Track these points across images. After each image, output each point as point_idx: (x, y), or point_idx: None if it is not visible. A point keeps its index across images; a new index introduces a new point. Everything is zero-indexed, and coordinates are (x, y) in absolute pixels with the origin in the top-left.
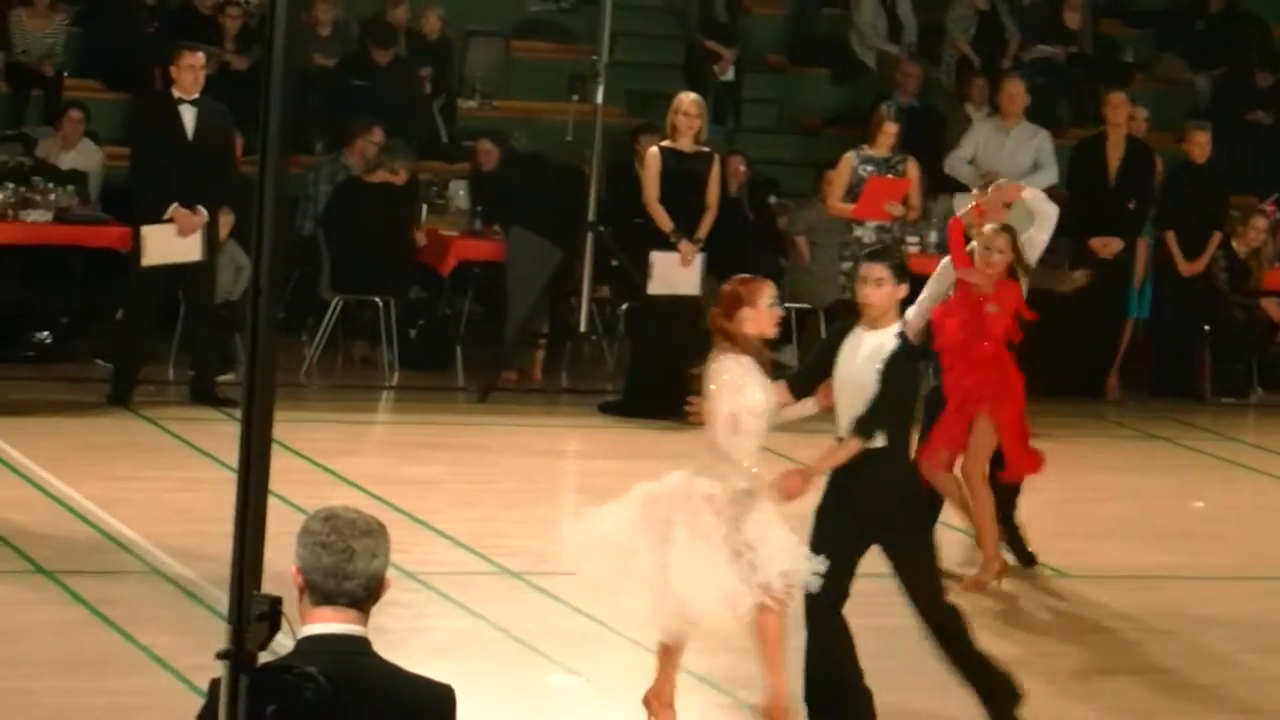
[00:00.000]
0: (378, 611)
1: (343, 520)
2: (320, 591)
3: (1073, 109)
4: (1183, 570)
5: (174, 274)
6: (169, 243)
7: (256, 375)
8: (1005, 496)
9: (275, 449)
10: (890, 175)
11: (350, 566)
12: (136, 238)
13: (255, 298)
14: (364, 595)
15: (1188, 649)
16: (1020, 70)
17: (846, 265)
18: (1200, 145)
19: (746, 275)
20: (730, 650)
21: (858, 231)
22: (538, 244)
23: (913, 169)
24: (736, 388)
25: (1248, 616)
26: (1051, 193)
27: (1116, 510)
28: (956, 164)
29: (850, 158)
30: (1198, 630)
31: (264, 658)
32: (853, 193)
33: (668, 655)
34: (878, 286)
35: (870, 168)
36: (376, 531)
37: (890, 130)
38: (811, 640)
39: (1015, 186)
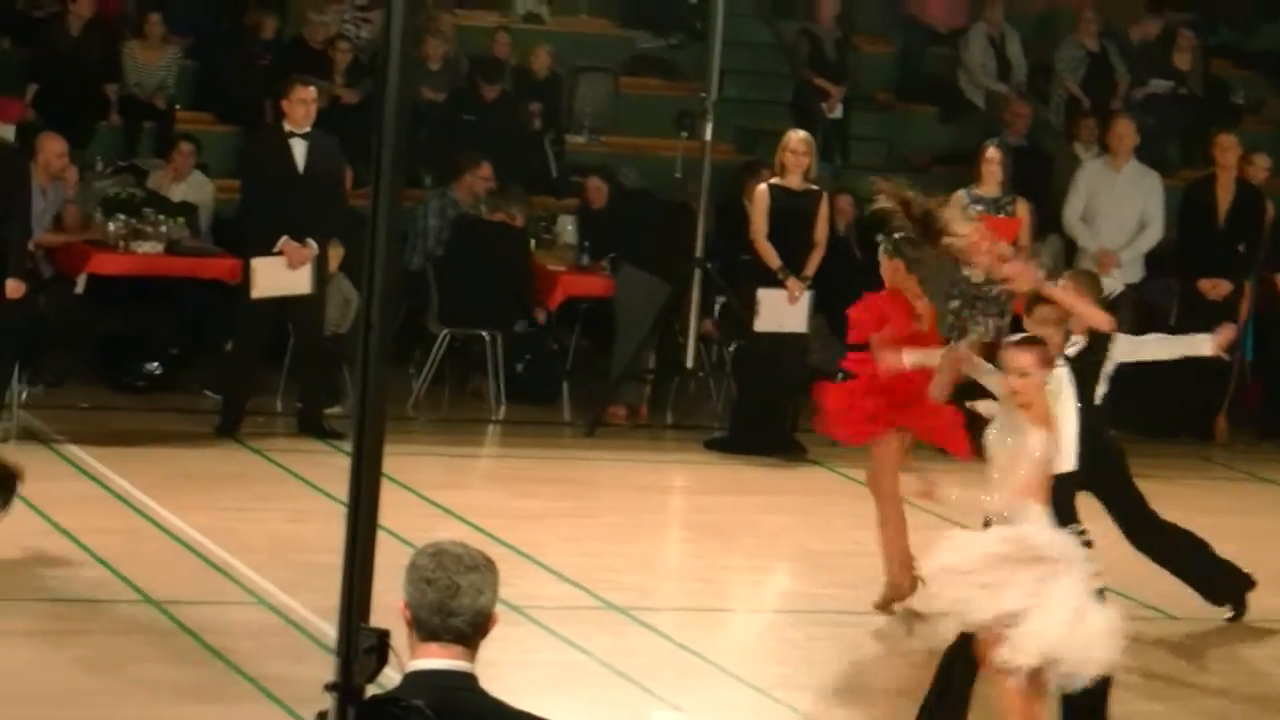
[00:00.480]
0: (483, 645)
1: (449, 556)
2: (426, 628)
3: (1182, 150)
4: None
5: (283, 306)
6: (278, 275)
7: (367, 408)
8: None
9: (383, 482)
10: (1000, 215)
11: (455, 603)
12: (246, 270)
13: (366, 331)
14: (470, 632)
15: None
16: (1130, 110)
17: (954, 304)
18: None
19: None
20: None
21: (966, 270)
22: (646, 280)
23: (1022, 209)
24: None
25: None
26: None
27: (1226, 553)
28: (1071, 220)
29: (960, 196)
30: None
31: (371, 691)
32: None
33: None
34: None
35: (980, 207)
36: (484, 567)
37: (994, 162)
38: None
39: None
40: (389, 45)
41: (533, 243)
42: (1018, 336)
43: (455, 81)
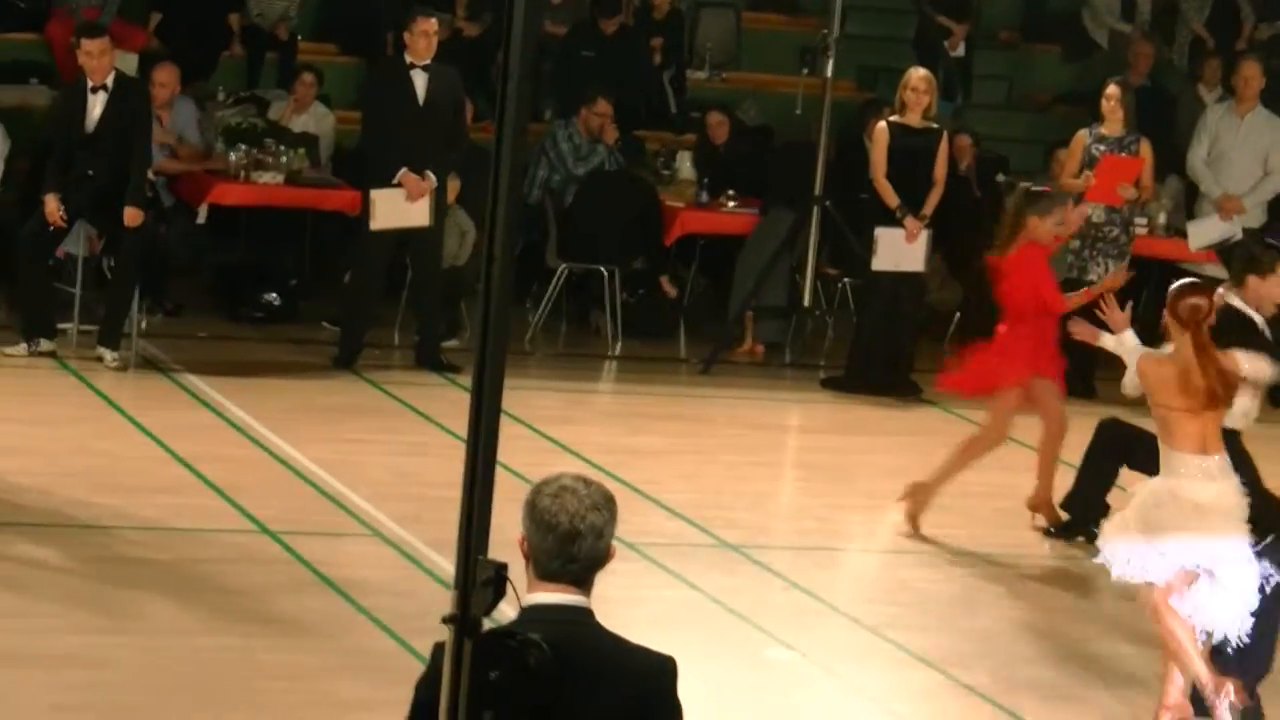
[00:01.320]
0: (599, 581)
1: (571, 497)
2: (545, 569)
3: None
4: None
5: (402, 239)
6: (398, 207)
7: (488, 342)
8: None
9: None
10: (1124, 155)
11: (574, 549)
12: (366, 202)
13: (488, 265)
14: (589, 574)
15: None
16: (1255, 51)
17: (1075, 244)
18: None
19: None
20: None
21: (1088, 210)
22: (776, 219)
23: (1145, 149)
24: None
25: None
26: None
27: None
28: (1195, 165)
29: (1083, 136)
30: None
31: (488, 624)
32: (1086, 169)
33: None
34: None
35: (1103, 147)
36: (604, 506)
37: (1116, 100)
38: None
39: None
40: None
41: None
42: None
43: (578, 14)
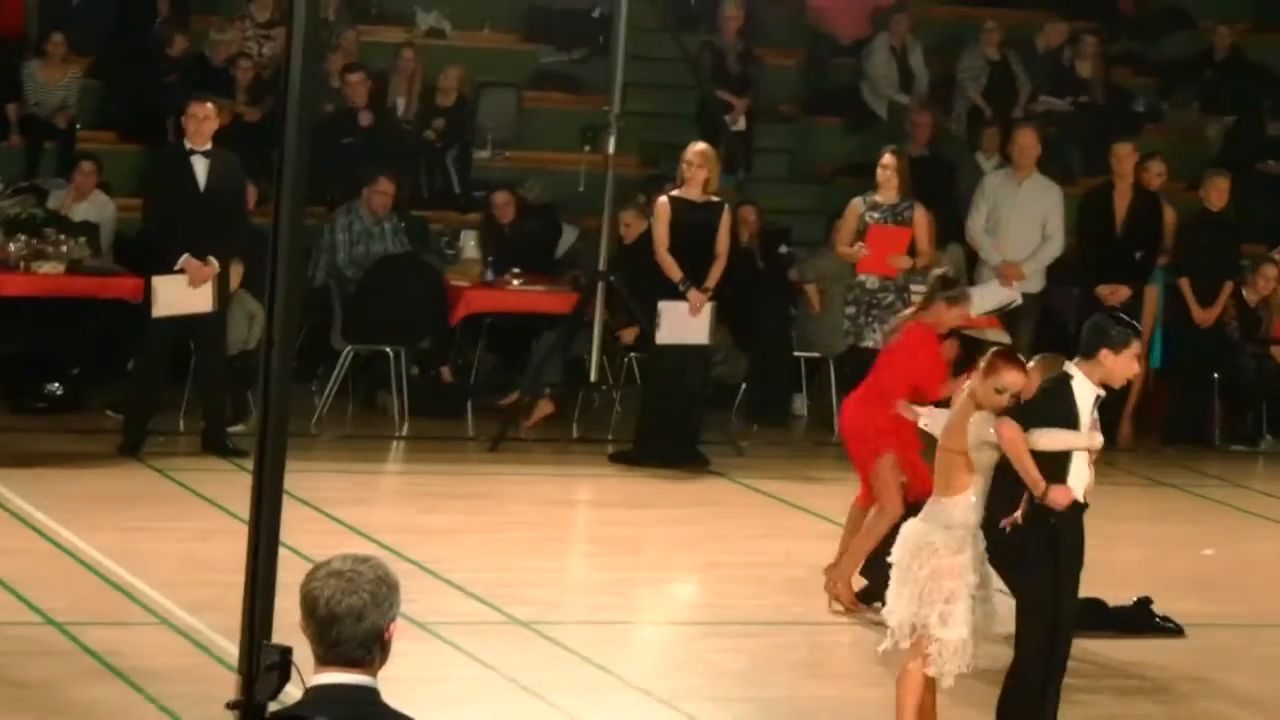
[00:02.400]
0: (392, 659)
1: (333, 582)
2: (315, 652)
3: (1084, 159)
4: (1195, 618)
5: (186, 325)
6: (180, 293)
7: (270, 424)
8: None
9: (286, 500)
10: (895, 223)
11: (335, 633)
12: (148, 289)
13: (268, 348)
14: (362, 654)
15: (1205, 695)
16: (1031, 120)
17: (850, 310)
18: (1219, 192)
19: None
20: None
21: (861, 277)
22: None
23: (920, 215)
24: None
25: (1264, 664)
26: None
27: (1129, 558)
28: (975, 232)
29: (857, 204)
30: (1214, 678)
31: (274, 708)
32: (860, 239)
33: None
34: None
35: (876, 214)
36: (367, 587)
37: (891, 168)
38: None
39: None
40: (290, 62)
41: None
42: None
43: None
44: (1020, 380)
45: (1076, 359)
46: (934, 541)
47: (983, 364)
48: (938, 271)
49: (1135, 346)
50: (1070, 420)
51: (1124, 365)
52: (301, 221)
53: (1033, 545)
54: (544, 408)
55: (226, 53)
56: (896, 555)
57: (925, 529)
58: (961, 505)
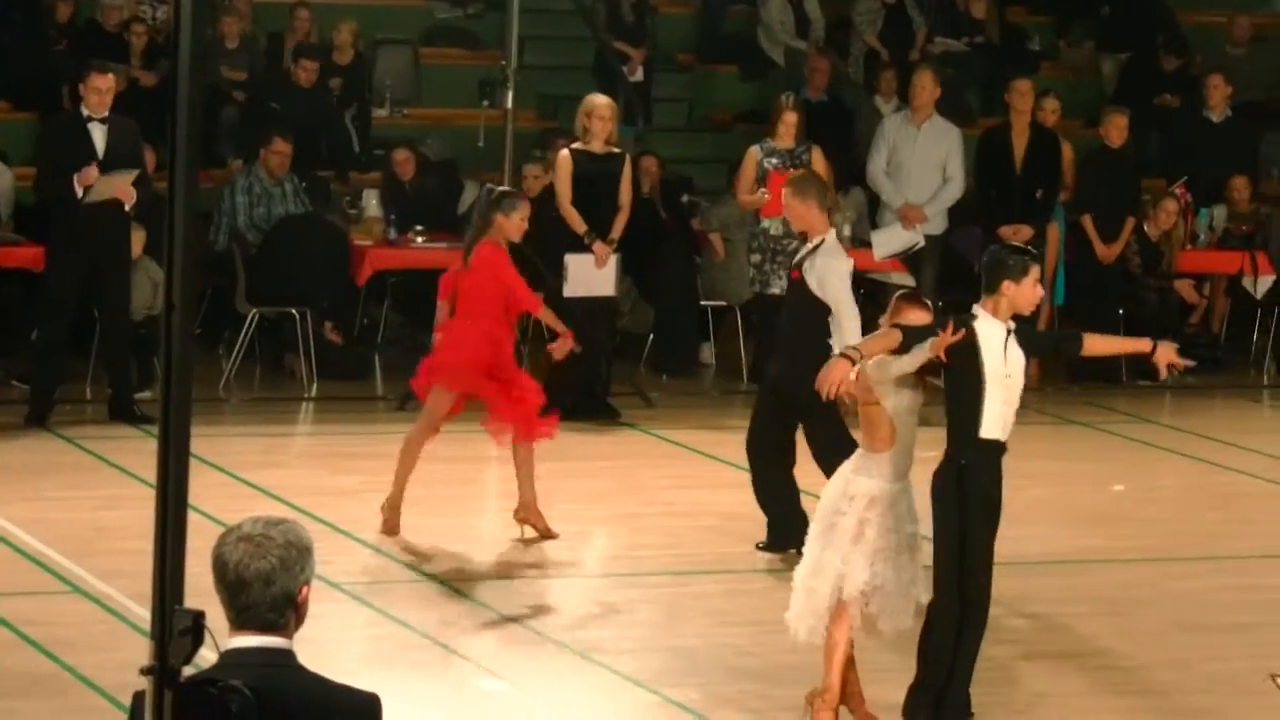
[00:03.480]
0: (305, 621)
1: (241, 546)
2: (228, 617)
3: (982, 99)
4: (1105, 554)
5: (89, 292)
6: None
7: (173, 389)
8: None
9: (195, 464)
10: (793, 167)
11: (244, 598)
12: (49, 258)
13: (169, 312)
14: (274, 617)
15: (1113, 632)
16: (929, 62)
17: (755, 258)
18: (1118, 129)
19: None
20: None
21: (765, 224)
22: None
23: (818, 158)
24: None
25: (1172, 598)
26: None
27: (1037, 496)
28: (876, 175)
29: (754, 151)
30: (1122, 613)
31: (188, 672)
32: (760, 185)
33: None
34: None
35: (775, 160)
36: (273, 553)
37: (790, 119)
38: None
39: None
40: (179, 26)
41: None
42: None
43: (254, 60)
44: (925, 320)
45: (981, 298)
46: (861, 493)
47: (889, 307)
48: (488, 187)
49: (1035, 271)
50: (975, 364)
51: (1028, 292)
52: (198, 185)
53: (944, 486)
54: None
55: (118, 17)
56: (824, 506)
57: (851, 480)
58: (881, 457)
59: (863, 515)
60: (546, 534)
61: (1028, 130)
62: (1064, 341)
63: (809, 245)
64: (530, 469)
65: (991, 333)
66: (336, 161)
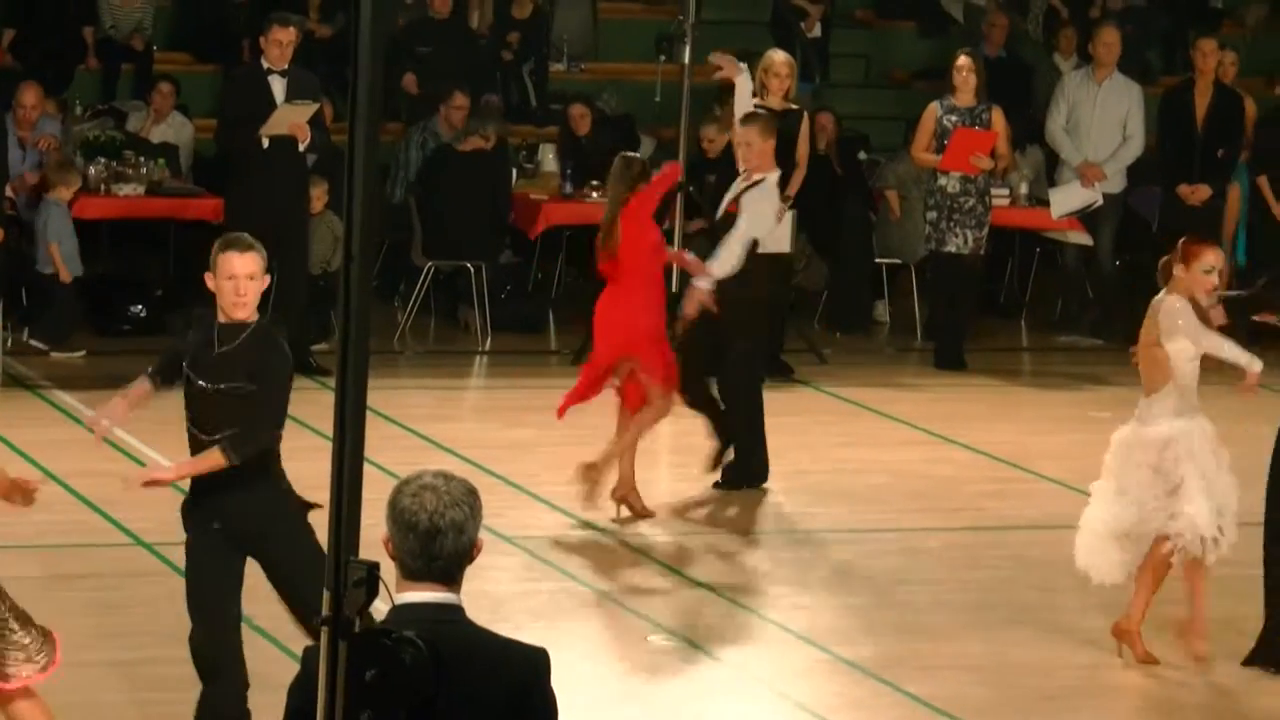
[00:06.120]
0: (476, 576)
1: (430, 495)
2: (408, 568)
3: (1163, 57)
4: None
5: (268, 243)
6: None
7: (350, 340)
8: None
9: (370, 416)
10: (976, 126)
11: (435, 546)
12: (229, 208)
13: (347, 263)
14: (455, 570)
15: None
16: (1110, 19)
17: (931, 215)
18: None
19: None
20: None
21: (942, 181)
22: None
23: (998, 119)
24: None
25: None
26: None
27: None
28: (1055, 133)
29: (934, 108)
30: None
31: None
32: (938, 143)
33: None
34: None
35: (955, 118)
36: (464, 501)
37: (967, 71)
38: None
39: None
40: None
41: (514, 173)
42: None
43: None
44: (1217, 260)
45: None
46: (1152, 439)
47: (1178, 255)
48: (624, 155)
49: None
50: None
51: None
52: (377, 139)
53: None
54: None
55: None
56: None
57: (1138, 431)
58: (1160, 397)
59: (1157, 461)
60: (643, 513)
61: (1210, 89)
62: None
63: (751, 180)
64: (636, 442)
65: None
66: (512, 115)
